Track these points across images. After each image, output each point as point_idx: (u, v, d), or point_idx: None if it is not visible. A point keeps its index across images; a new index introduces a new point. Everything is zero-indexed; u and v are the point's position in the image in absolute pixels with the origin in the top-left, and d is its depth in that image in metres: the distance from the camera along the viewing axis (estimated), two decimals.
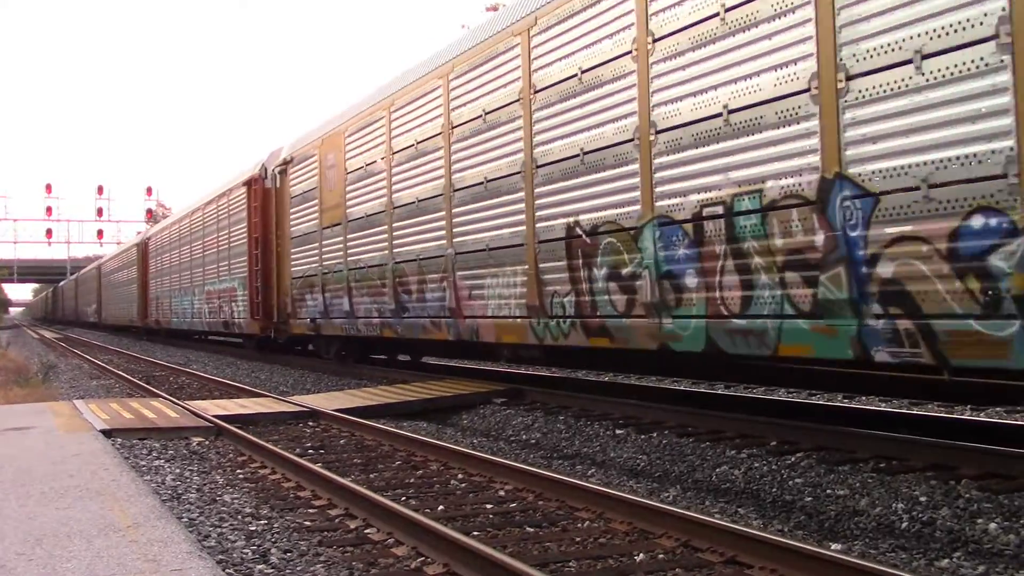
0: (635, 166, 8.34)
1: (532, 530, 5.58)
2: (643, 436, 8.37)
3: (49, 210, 78.20)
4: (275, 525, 5.74)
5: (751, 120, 7.06)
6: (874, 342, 6.08)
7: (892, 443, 6.96)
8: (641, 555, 4.97)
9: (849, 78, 6.24)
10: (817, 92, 6.49)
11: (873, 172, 6.09)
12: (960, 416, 9.15)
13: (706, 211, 7.53)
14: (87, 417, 9.86)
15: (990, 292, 5.36)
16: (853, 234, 6.21)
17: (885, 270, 6.00)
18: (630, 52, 8.38)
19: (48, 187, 78.37)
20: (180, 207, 34.95)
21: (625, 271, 8.51)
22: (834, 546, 5.14)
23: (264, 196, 19.58)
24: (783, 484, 6.56)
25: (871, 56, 6.10)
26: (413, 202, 12.62)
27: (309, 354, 19.89)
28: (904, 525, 5.53)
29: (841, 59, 6.31)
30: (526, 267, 9.98)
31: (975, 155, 5.47)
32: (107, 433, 8.83)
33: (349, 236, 14.94)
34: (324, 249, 16.08)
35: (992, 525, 5.22)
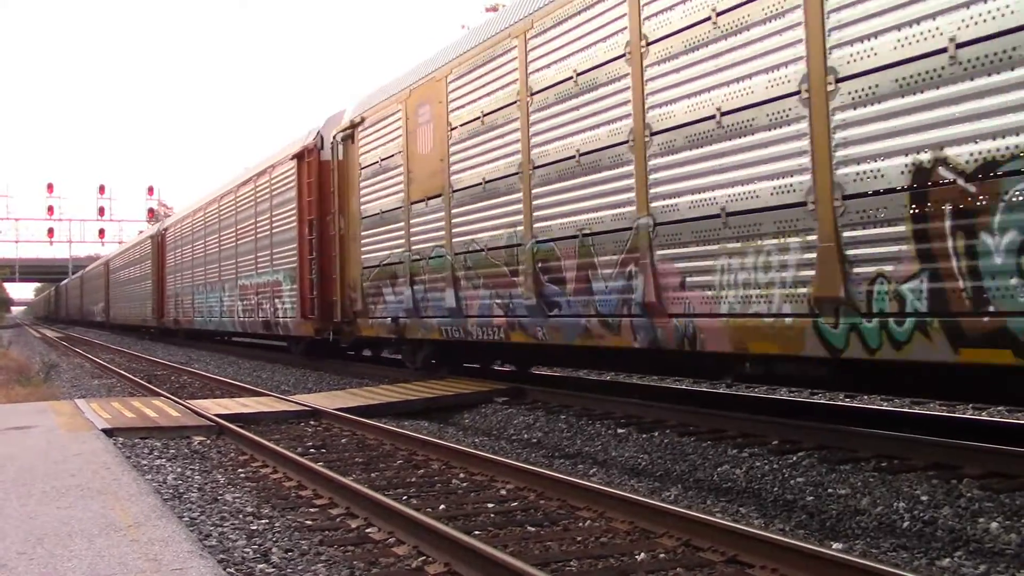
0: None
1: (533, 529, 5.57)
2: (645, 435, 8.37)
3: (51, 209, 78.41)
4: (276, 524, 5.74)
5: None
6: None
7: (894, 442, 6.95)
8: (642, 554, 4.96)
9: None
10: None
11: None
12: (962, 415, 9.14)
13: None
14: (88, 416, 9.87)
15: None
16: None
17: None
18: None
19: (50, 186, 78.66)
20: (202, 193, 29.53)
21: None
22: (835, 545, 5.14)
23: (321, 170, 16.32)
24: (784, 483, 6.56)
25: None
26: (571, 156, 9.31)
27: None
28: (905, 524, 5.53)
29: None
30: (812, 237, 6.65)
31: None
32: (108, 432, 8.84)
33: (456, 211, 11.68)
34: (414, 229, 12.79)
35: (994, 524, 5.22)
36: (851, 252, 6.37)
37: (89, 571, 4.25)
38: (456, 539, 4.81)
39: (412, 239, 12.86)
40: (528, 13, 10.19)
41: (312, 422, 10.28)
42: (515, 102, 10.41)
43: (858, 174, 6.29)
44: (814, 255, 6.66)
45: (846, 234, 6.38)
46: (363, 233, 14.51)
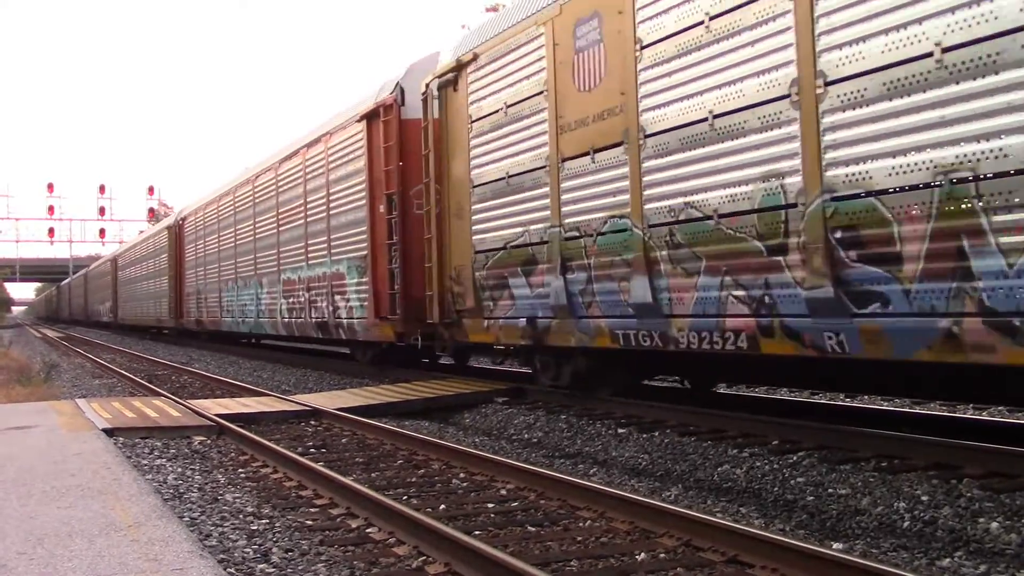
0: None
1: (534, 529, 5.58)
2: (645, 435, 8.37)
3: (51, 209, 78.51)
4: (277, 524, 5.74)
5: None
6: None
7: (894, 442, 6.94)
8: (642, 554, 4.96)
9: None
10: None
11: None
12: (962, 415, 9.14)
13: None
14: (89, 416, 9.87)
15: None
16: None
17: None
18: None
19: (50, 186, 78.79)
20: (230, 175, 25.29)
21: None
22: (836, 545, 5.14)
23: (403, 132, 13.26)
24: (785, 483, 6.56)
25: None
26: (927, 53, 5.90)
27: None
28: (906, 524, 5.53)
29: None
30: None
31: None
32: (109, 432, 8.84)
33: (652, 164, 8.32)
34: (567, 196, 9.49)
35: (994, 524, 5.22)
36: None
37: (89, 571, 4.25)
38: (456, 539, 4.81)
39: (564, 210, 9.51)
40: None
41: (312, 422, 10.28)
42: None
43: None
44: None
45: None
46: (475, 207, 11.24)
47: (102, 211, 79.70)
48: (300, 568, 4.83)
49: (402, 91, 13.41)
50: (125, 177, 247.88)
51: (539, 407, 10.31)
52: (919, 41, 5.95)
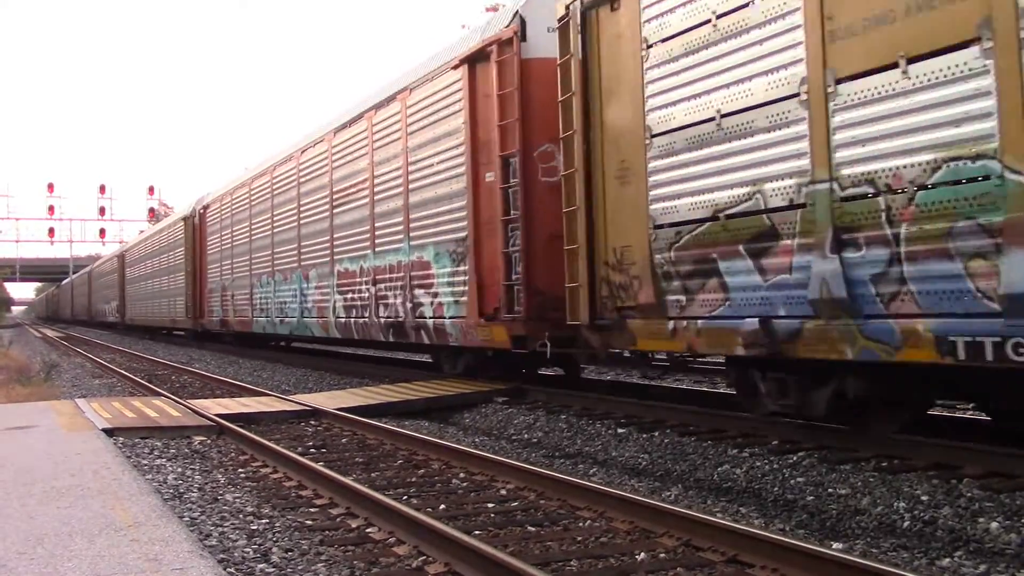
0: None
1: (534, 529, 5.58)
2: (645, 435, 8.37)
3: (51, 209, 78.44)
4: (276, 524, 5.74)
5: None
6: None
7: (894, 442, 6.95)
8: (642, 554, 4.96)
9: None
10: None
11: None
12: (962, 415, 9.14)
13: None
14: (89, 416, 9.87)
15: None
16: None
17: None
18: None
19: (50, 186, 78.73)
20: (263, 156, 22.13)
21: None
22: (836, 545, 5.14)
23: (525, 75, 10.59)
24: (785, 483, 6.56)
25: None
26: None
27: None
28: (906, 524, 5.53)
29: None
30: None
31: None
32: (109, 432, 8.84)
33: None
34: (843, 135, 6.44)
35: (994, 524, 5.22)
36: None
37: (89, 571, 4.25)
38: (456, 539, 4.81)
39: (839, 155, 6.45)
40: None
41: (312, 422, 10.28)
42: None
43: None
44: None
45: None
46: (654, 165, 8.29)
47: (102, 211, 79.66)
48: (300, 568, 4.84)
49: (523, 22, 10.57)
50: (125, 177, 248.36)
51: (539, 407, 10.31)
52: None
